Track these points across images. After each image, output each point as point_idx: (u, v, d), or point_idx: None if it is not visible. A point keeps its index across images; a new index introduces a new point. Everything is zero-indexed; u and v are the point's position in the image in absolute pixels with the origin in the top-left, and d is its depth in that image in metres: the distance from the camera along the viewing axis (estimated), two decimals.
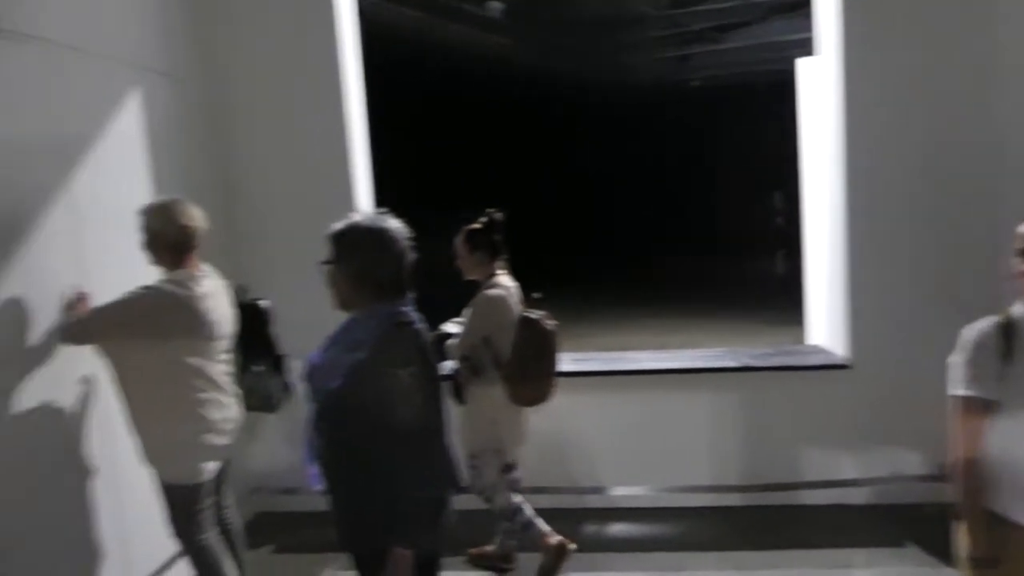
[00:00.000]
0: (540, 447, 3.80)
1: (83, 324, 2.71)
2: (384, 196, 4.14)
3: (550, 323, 3.27)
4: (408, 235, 2.08)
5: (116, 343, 2.67)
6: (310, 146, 4.05)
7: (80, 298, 2.81)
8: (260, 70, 4.03)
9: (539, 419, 3.56)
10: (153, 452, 2.74)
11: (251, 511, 4.13)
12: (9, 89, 2.67)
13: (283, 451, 4.13)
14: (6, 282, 2.60)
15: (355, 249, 2.02)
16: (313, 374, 2.06)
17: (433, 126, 12.62)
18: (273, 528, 4.07)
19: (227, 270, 3.05)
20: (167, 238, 2.73)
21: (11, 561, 2.53)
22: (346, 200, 4.03)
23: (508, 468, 3.36)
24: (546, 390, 3.30)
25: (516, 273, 3.45)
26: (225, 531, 3.00)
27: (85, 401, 2.93)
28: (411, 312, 2.07)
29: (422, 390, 2.00)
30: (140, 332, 2.64)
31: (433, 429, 2.05)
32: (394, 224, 2.06)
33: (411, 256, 2.07)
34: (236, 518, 3.13)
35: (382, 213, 2.09)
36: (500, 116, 13.43)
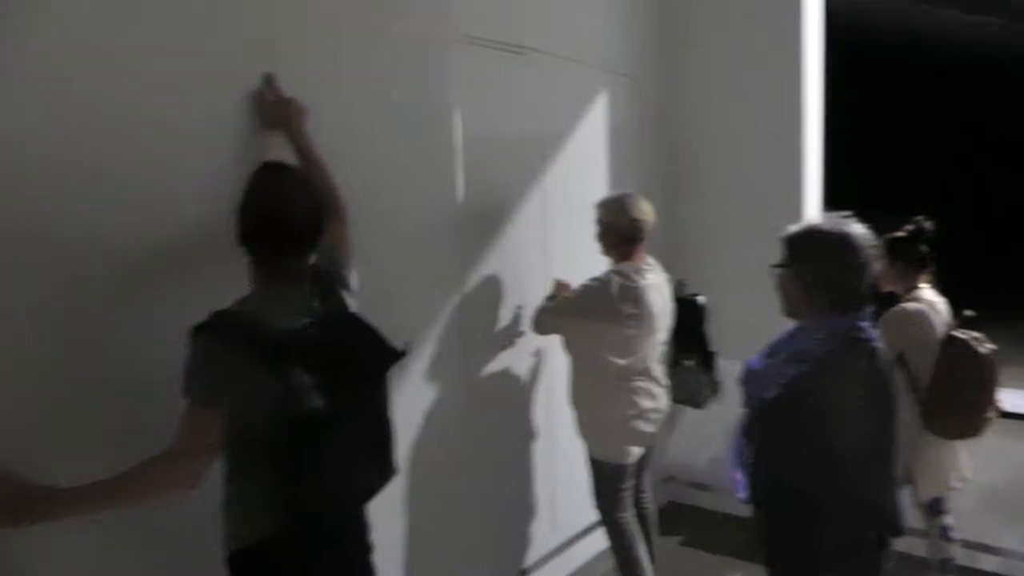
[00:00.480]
0: (985, 496, 3.24)
1: (543, 319, 2.98)
2: (834, 198, 3.86)
3: (984, 347, 2.76)
4: (873, 243, 1.89)
5: (571, 328, 2.91)
6: (761, 144, 3.94)
7: (561, 286, 3.06)
8: (714, 66, 4.04)
9: (984, 462, 3.04)
10: (587, 428, 2.98)
11: (663, 499, 4.24)
12: (509, 95, 3.07)
13: (702, 446, 4.17)
14: (487, 262, 3.01)
15: (813, 254, 1.89)
16: (750, 380, 2.00)
17: (896, 123, 11.44)
18: (682, 520, 4.13)
19: (667, 264, 3.14)
20: (618, 230, 2.90)
21: (472, 505, 2.96)
22: (794, 201, 3.85)
23: (935, 511, 2.93)
24: (974, 424, 2.78)
25: (953, 290, 2.98)
26: (641, 513, 3.14)
27: (535, 371, 3.28)
28: (868, 328, 1.88)
29: (872, 417, 1.81)
30: (590, 319, 2.84)
31: (879, 460, 1.85)
32: (858, 230, 1.88)
33: (874, 266, 1.88)
34: (652, 503, 3.24)
35: (845, 217, 1.93)
36: (978, 117, 11.64)
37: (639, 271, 2.88)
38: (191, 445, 1.60)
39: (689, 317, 3.14)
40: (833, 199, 3.62)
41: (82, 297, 1.76)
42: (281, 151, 2.09)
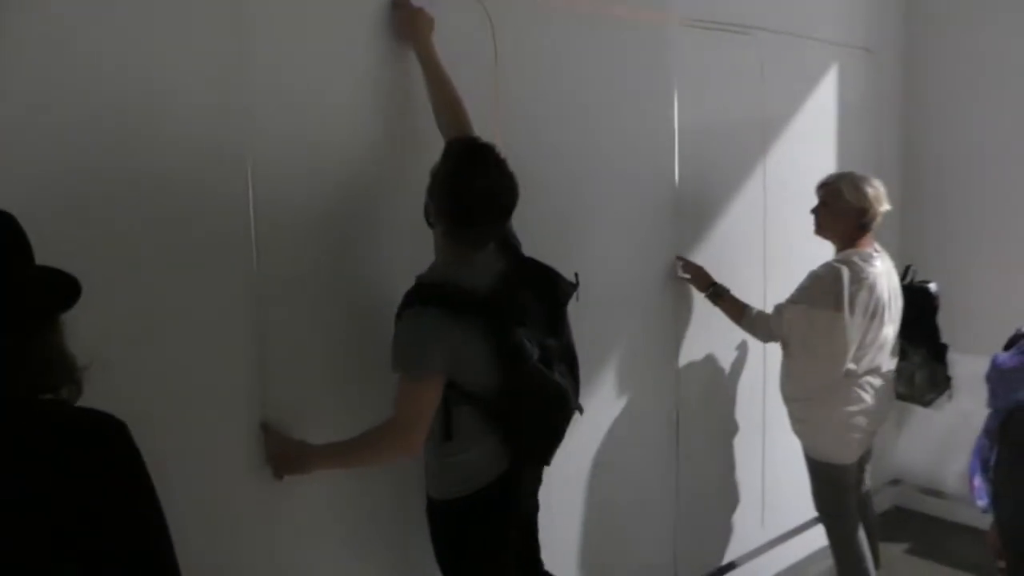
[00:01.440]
0: None
1: (774, 324, 2.73)
2: None
3: None
4: None
5: (799, 322, 2.68)
6: (1017, 122, 3.53)
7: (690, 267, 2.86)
8: (964, 38, 3.65)
9: None
10: (805, 426, 2.80)
11: (887, 503, 3.98)
12: (729, 75, 2.99)
13: (934, 448, 3.85)
14: (702, 248, 2.97)
15: None
16: (998, 378, 1.83)
17: None
18: (909, 526, 3.84)
19: (899, 250, 2.92)
20: (857, 215, 2.67)
21: (677, 494, 2.95)
22: None
23: None
24: None
25: None
26: (862, 516, 2.94)
27: (746, 362, 3.18)
28: None
29: None
30: (819, 311, 2.63)
31: None
32: None
33: None
34: (872, 505, 3.04)
35: None
36: None
37: (868, 258, 2.67)
38: (411, 418, 1.75)
39: (918, 307, 2.88)
40: None
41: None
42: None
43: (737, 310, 2.83)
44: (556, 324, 1.93)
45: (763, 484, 3.30)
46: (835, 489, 2.80)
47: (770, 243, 3.18)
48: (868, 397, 2.71)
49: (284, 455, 1.84)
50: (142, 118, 1.67)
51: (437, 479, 1.92)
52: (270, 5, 1.84)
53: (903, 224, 3.80)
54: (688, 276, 2.87)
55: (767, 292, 3.14)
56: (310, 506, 1.97)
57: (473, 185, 1.76)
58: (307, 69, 1.92)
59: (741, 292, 3.07)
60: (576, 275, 1.97)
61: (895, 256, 2.91)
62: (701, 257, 2.95)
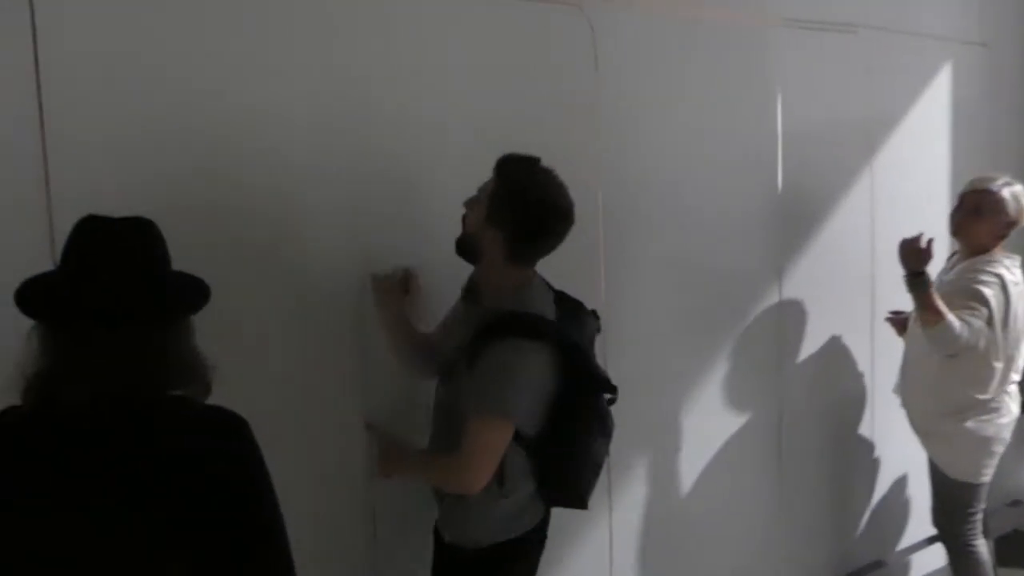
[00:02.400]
0: None
1: (956, 342, 2.42)
2: None
3: None
4: None
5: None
6: None
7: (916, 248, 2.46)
8: None
9: None
10: (937, 441, 2.66)
11: (1008, 525, 3.74)
12: (834, 76, 2.89)
13: None
14: (807, 254, 2.87)
15: None
16: None
17: None
18: None
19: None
20: (1012, 228, 2.57)
21: (781, 506, 2.86)
22: None
23: None
24: None
25: None
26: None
27: (853, 372, 3.06)
28: None
29: None
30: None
31: None
32: None
33: None
34: (989, 526, 2.87)
35: None
36: None
37: (1012, 268, 2.56)
38: (486, 460, 1.65)
39: None
40: None
41: None
42: None
43: (934, 311, 2.38)
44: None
45: (874, 499, 3.16)
46: (966, 511, 2.65)
47: (878, 251, 3.04)
48: (1003, 412, 2.59)
49: (388, 454, 1.86)
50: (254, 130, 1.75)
51: (472, 525, 1.77)
52: None
53: None
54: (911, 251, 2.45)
55: (875, 304, 3.02)
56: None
57: (547, 194, 1.69)
58: None
59: (848, 305, 2.96)
60: (595, 311, 1.89)
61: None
62: (805, 265, 2.85)
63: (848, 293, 2.99)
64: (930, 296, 2.38)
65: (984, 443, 2.58)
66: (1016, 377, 2.63)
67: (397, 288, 1.91)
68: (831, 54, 2.87)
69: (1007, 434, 2.60)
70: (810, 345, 2.91)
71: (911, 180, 3.05)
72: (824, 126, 2.88)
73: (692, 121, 2.51)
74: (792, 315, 2.85)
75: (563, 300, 1.82)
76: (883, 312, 2.91)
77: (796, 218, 2.82)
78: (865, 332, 3.06)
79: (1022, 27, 3.57)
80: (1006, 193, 2.55)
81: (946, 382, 2.56)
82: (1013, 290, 2.52)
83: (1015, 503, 3.79)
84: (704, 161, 2.55)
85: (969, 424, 2.56)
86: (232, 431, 1.18)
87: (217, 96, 1.70)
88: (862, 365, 3.06)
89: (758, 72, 2.69)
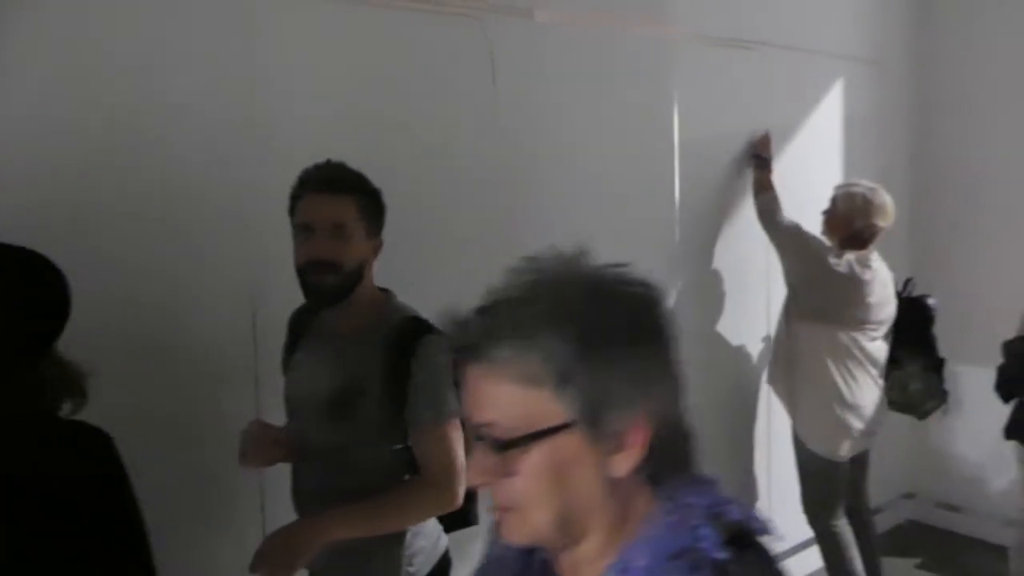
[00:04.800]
0: None
1: (771, 214, 2.91)
2: None
3: None
4: None
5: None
6: (1016, 141, 3.51)
7: (765, 138, 3.05)
8: (975, 51, 3.64)
9: None
10: (794, 411, 2.89)
11: (901, 517, 3.95)
12: (731, 90, 3.03)
13: (950, 463, 3.83)
14: (704, 262, 3.00)
15: None
16: None
17: None
18: (922, 541, 3.80)
19: (900, 261, 2.93)
20: (853, 228, 2.77)
21: None
22: None
23: None
24: None
25: None
26: (859, 524, 2.95)
27: (746, 374, 3.19)
28: None
29: None
30: (801, 265, 2.81)
31: None
32: None
33: None
34: (870, 515, 3.05)
35: None
36: None
37: (863, 261, 2.77)
38: (461, 465, 1.52)
39: (915, 318, 2.92)
40: None
41: None
42: None
43: (768, 184, 2.98)
44: None
45: (769, 496, 3.30)
46: (823, 487, 2.85)
47: (775, 259, 3.18)
48: (853, 394, 2.78)
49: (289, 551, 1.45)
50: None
51: (395, 557, 1.59)
52: None
53: (912, 237, 3.79)
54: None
55: (771, 307, 3.16)
56: None
57: None
58: None
59: (745, 307, 3.10)
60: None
61: (903, 269, 2.93)
62: (703, 273, 2.98)
63: (744, 300, 3.12)
64: (767, 175, 2.98)
65: (822, 418, 2.79)
66: (876, 370, 2.83)
67: (270, 443, 1.64)
68: (729, 69, 3.01)
69: (848, 418, 2.78)
70: (706, 348, 3.04)
71: (805, 191, 3.20)
72: (721, 139, 3.02)
73: (591, 133, 2.60)
74: (689, 321, 2.96)
75: None
76: (778, 317, 3.06)
77: (693, 228, 2.95)
78: (762, 336, 3.20)
79: (909, 46, 3.78)
80: (840, 192, 2.84)
81: (808, 363, 2.80)
82: (867, 283, 2.73)
83: (909, 495, 3.99)
84: (603, 172, 2.64)
85: (804, 394, 2.82)
86: (94, 447, 1.19)
87: (102, 95, 1.71)
88: (758, 367, 3.20)
89: (657, 85, 2.80)
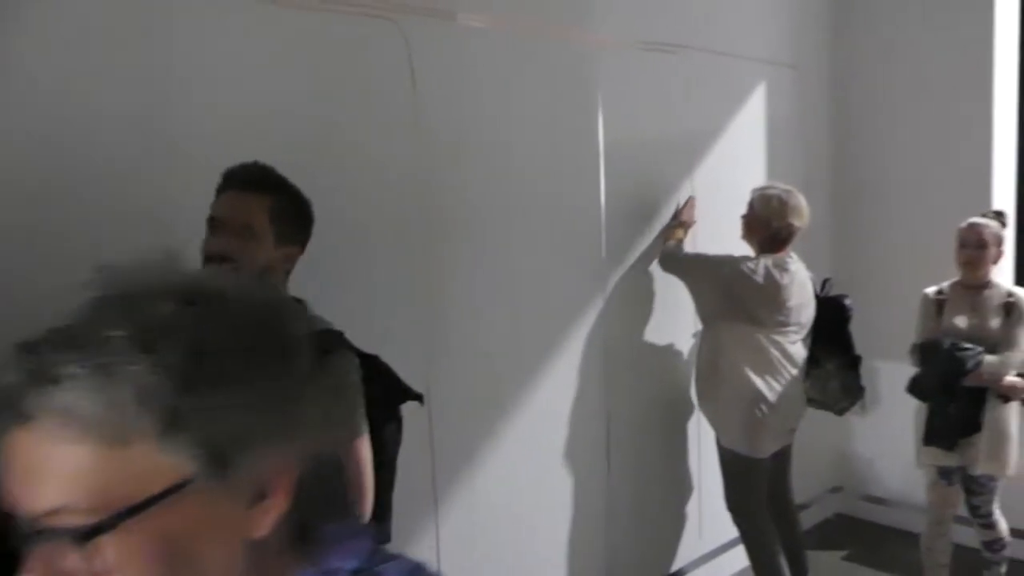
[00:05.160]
0: None
1: (674, 255, 2.98)
2: None
3: None
4: None
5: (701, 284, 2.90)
6: (941, 141, 3.63)
7: (689, 203, 3.11)
8: (891, 56, 3.76)
9: None
10: (715, 415, 2.93)
11: (829, 511, 4.04)
12: (656, 93, 3.06)
13: (876, 457, 3.95)
14: (631, 265, 3.02)
15: None
16: None
17: None
18: (849, 533, 3.90)
19: (822, 260, 3.00)
20: (771, 230, 2.82)
21: (612, 504, 2.98)
22: (979, 204, 3.51)
23: None
24: None
25: None
26: (783, 519, 3.00)
27: (680, 372, 3.23)
28: None
29: None
30: (713, 293, 2.84)
31: None
32: None
33: None
34: (794, 510, 3.10)
35: None
36: None
37: (781, 264, 2.81)
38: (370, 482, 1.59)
39: (832, 317, 2.99)
40: None
41: None
42: None
43: (676, 236, 3.04)
44: None
45: (700, 494, 3.34)
46: (744, 483, 2.89)
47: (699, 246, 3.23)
48: (772, 392, 2.81)
49: None
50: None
51: None
52: None
53: (834, 237, 3.90)
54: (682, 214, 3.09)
55: None
56: None
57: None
58: None
59: (672, 309, 3.13)
60: None
61: (825, 268, 2.99)
62: (631, 275, 3.00)
63: (673, 300, 3.15)
64: (680, 230, 3.07)
65: (739, 415, 2.82)
66: (795, 368, 2.88)
67: None
68: (653, 73, 3.04)
69: (767, 415, 2.81)
70: (635, 349, 3.06)
71: (729, 193, 3.24)
72: (645, 143, 3.04)
73: (514, 136, 2.59)
74: (617, 321, 2.98)
75: None
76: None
77: (620, 230, 2.96)
78: (690, 336, 3.24)
79: (827, 52, 3.88)
80: (756, 195, 2.88)
81: (729, 367, 2.83)
82: (784, 285, 2.78)
83: (836, 489, 4.09)
84: (526, 176, 2.63)
85: (723, 393, 2.86)
86: None
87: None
88: (689, 368, 3.23)
89: (581, 89, 2.80)
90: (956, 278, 2.94)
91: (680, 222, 3.07)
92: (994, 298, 2.84)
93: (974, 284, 2.87)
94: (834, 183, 3.93)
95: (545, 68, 2.67)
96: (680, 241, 3.03)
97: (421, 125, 2.34)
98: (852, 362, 2.98)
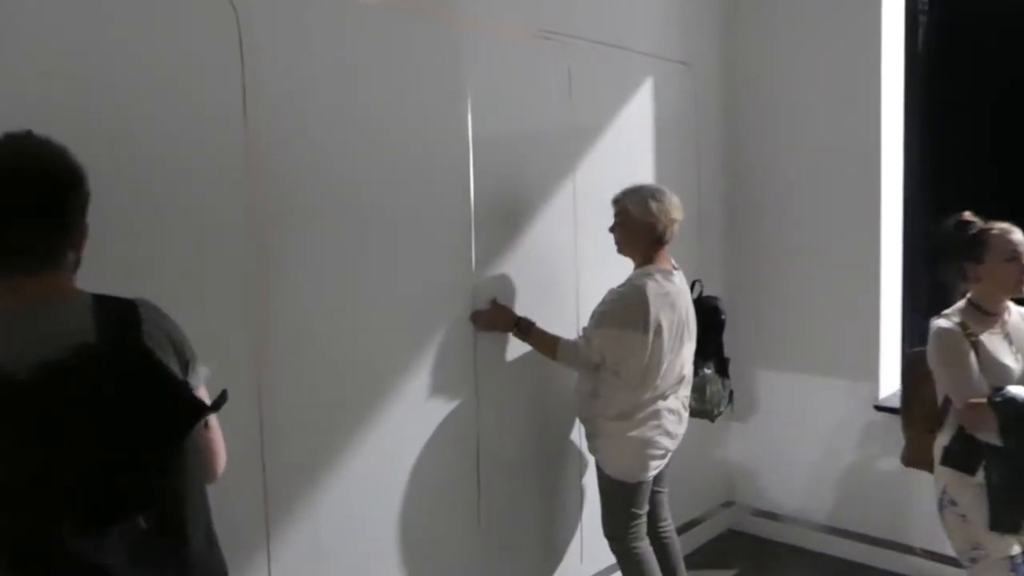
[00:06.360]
0: None
1: (572, 346, 2.62)
2: (942, 196, 3.36)
3: None
4: None
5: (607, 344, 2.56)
6: (829, 142, 3.53)
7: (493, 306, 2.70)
8: (782, 54, 3.65)
9: None
10: (603, 444, 2.65)
11: (721, 526, 3.90)
12: (534, 83, 2.83)
13: (767, 469, 3.82)
14: (504, 264, 2.78)
15: None
16: None
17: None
18: (740, 550, 3.76)
19: (712, 265, 2.83)
20: (652, 230, 2.58)
21: (489, 527, 2.73)
22: (868, 204, 3.44)
23: None
24: None
25: None
26: (662, 544, 2.81)
27: (557, 387, 2.99)
28: None
29: None
30: (628, 331, 2.51)
31: None
32: None
33: None
34: (673, 532, 2.91)
35: None
36: None
37: (666, 274, 2.58)
38: None
39: (707, 321, 2.83)
40: (949, 199, 3.06)
41: None
42: None
43: (548, 345, 2.65)
44: None
45: (583, 516, 3.12)
46: (626, 510, 2.65)
47: (582, 258, 3.02)
48: (669, 414, 2.61)
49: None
50: None
51: None
52: None
53: (725, 241, 3.77)
54: (482, 325, 2.65)
55: (580, 310, 2.99)
56: None
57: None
58: None
59: (554, 312, 2.90)
60: None
61: (717, 273, 2.83)
62: (504, 275, 2.76)
63: (554, 302, 2.93)
64: (534, 339, 2.67)
65: (634, 444, 2.58)
66: (687, 382, 2.69)
67: None
68: (531, 60, 2.81)
69: (661, 437, 2.61)
70: (511, 355, 2.82)
71: (615, 190, 3.05)
72: (521, 134, 2.81)
73: (370, 127, 2.32)
74: (488, 334, 2.73)
75: None
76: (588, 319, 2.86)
77: (493, 227, 2.71)
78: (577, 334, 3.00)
79: (717, 49, 3.75)
80: (629, 200, 2.61)
81: (607, 390, 2.58)
82: (675, 298, 2.56)
83: (728, 503, 3.96)
84: (384, 163, 2.36)
85: (618, 426, 2.57)
86: None
87: None
88: (562, 377, 3.00)
89: (447, 73, 2.55)
90: (962, 303, 2.33)
91: (519, 325, 2.67)
92: (1019, 324, 2.34)
93: (994, 310, 2.30)
94: (726, 183, 3.79)
95: (402, 47, 2.40)
96: (556, 337, 2.65)
97: (252, 105, 2.04)
98: (723, 366, 2.82)
